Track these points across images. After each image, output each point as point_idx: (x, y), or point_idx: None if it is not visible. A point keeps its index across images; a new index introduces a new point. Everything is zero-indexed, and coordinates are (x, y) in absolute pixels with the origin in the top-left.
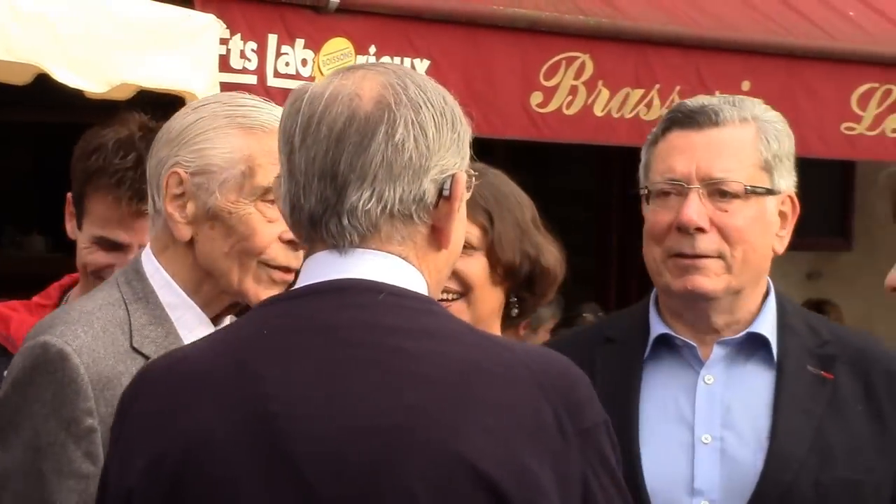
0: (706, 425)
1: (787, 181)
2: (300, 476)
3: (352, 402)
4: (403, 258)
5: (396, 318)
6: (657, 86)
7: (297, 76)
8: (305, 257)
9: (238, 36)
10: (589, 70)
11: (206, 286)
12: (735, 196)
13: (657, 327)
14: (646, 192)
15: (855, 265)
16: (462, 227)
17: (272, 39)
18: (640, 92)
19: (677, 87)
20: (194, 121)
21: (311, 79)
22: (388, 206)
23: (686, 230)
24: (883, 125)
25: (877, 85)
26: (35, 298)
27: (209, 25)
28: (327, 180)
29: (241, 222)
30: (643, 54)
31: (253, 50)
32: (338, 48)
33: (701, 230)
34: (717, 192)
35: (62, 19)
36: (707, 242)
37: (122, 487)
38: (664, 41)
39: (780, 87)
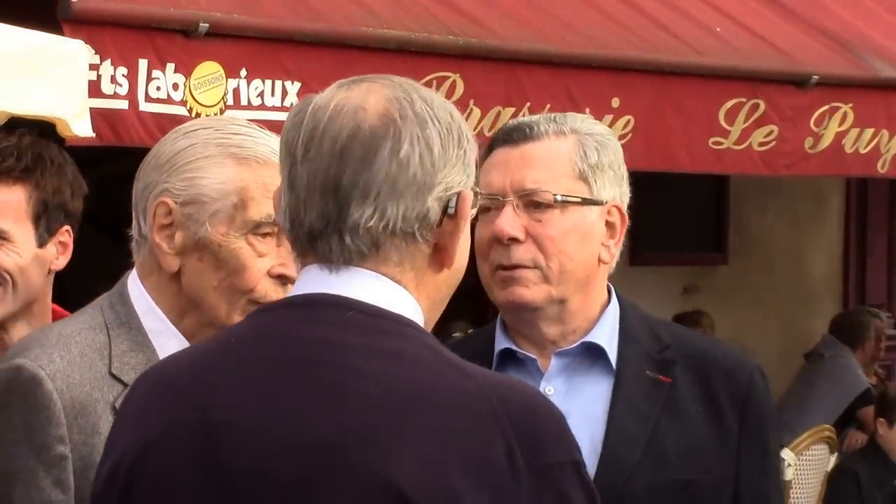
0: None
1: (610, 191)
2: (231, 489)
3: (288, 418)
4: (393, 278)
5: (359, 336)
6: (528, 104)
7: (168, 100)
8: (299, 270)
9: (108, 61)
10: (460, 89)
11: (191, 316)
12: (549, 206)
13: (501, 342)
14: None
15: (730, 279)
16: (466, 246)
17: (143, 64)
18: (511, 110)
19: (548, 105)
20: (185, 147)
21: (183, 103)
22: (391, 224)
23: (501, 241)
24: (750, 139)
25: (744, 100)
26: None
27: (78, 51)
28: (329, 195)
29: (232, 256)
30: (513, 73)
31: (124, 75)
32: (209, 72)
33: (515, 240)
34: (532, 203)
35: None
36: (521, 252)
37: (92, 493)
38: (534, 59)
39: (649, 102)
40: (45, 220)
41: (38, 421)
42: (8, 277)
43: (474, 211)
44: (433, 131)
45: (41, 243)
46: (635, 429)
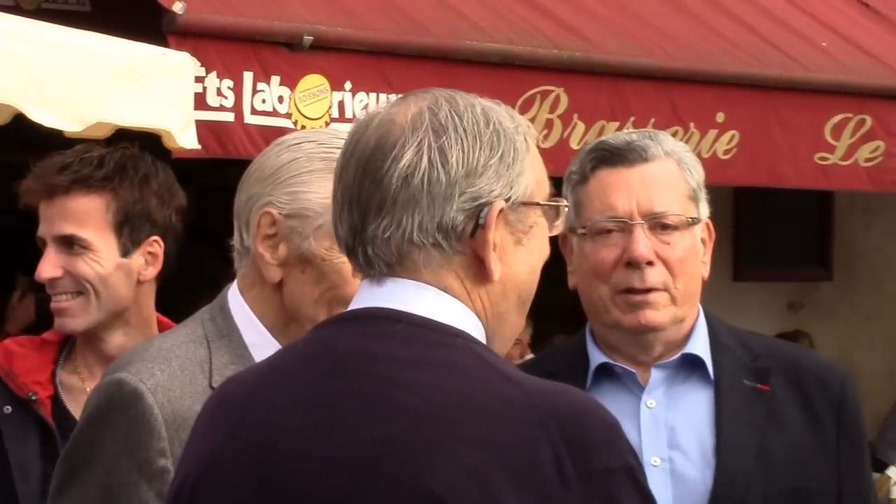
0: (654, 448)
1: (705, 209)
2: None
3: (333, 432)
4: (441, 287)
5: (406, 349)
6: (632, 118)
7: (274, 113)
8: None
9: (214, 74)
10: (564, 103)
11: (293, 328)
12: (675, 228)
13: (596, 357)
14: (584, 231)
15: (836, 295)
16: (525, 260)
17: (248, 77)
18: (615, 124)
19: (652, 119)
20: (289, 161)
21: (288, 115)
22: (408, 234)
23: (637, 265)
24: (856, 155)
25: (850, 115)
26: (44, 335)
27: (184, 64)
28: (354, 208)
29: (335, 270)
30: (618, 87)
31: (229, 87)
32: (314, 84)
33: (650, 264)
34: (659, 225)
35: (38, 60)
36: (655, 275)
37: None
38: (638, 73)
39: (753, 117)
40: (128, 230)
41: (139, 434)
42: (89, 286)
43: (560, 224)
44: (452, 139)
45: (125, 253)
46: (744, 438)
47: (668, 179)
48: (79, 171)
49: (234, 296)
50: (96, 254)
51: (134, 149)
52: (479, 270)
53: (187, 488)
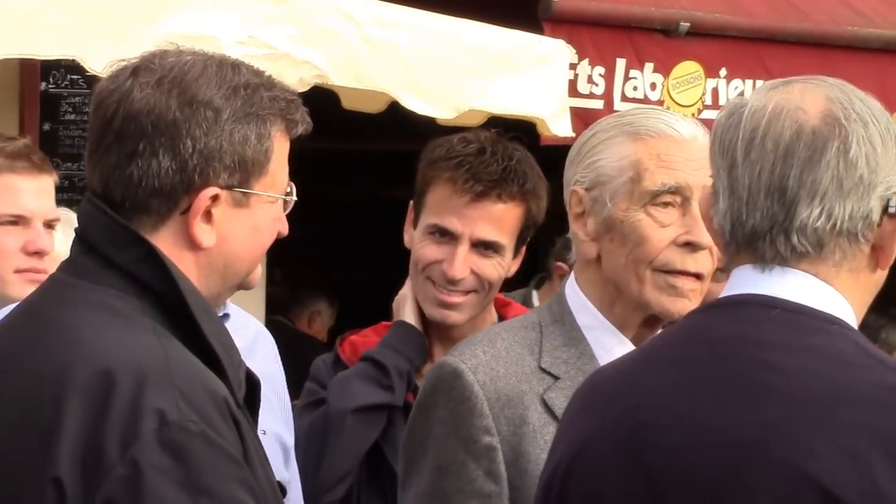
0: None
1: None
2: (657, 489)
3: (708, 415)
4: (824, 279)
5: (782, 334)
6: None
7: (644, 100)
8: (729, 269)
9: (586, 61)
10: None
11: (619, 304)
12: None
13: None
14: None
15: None
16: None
17: (620, 64)
18: None
19: None
20: (589, 137)
21: (660, 102)
22: (837, 224)
23: None
24: None
25: None
26: (379, 325)
27: (559, 51)
28: (774, 196)
29: (633, 230)
30: None
31: (601, 74)
32: (688, 71)
33: None
34: None
35: (412, 47)
36: None
37: (535, 499)
38: None
39: None
40: (521, 237)
41: (461, 413)
42: (487, 287)
43: None
44: (874, 131)
45: (514, 255)
46: None
47: None
48: (505, 180)
49: (569, 282)
50: (503, 259)
51: (520, 149)
52: (871, 261)
53: (560, 471)
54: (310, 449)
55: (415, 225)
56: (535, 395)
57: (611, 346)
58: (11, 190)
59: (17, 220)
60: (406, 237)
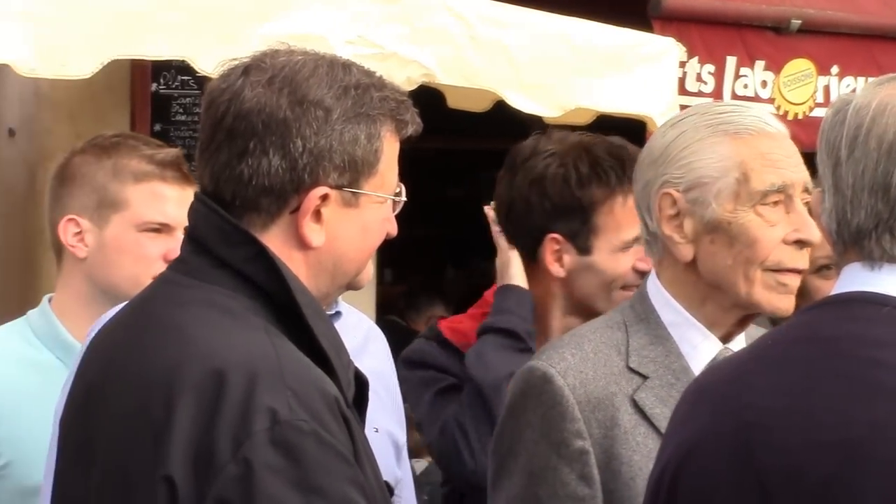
0: None
1: None
2: (765, 489)
3: (817, 415)
4: None
5: (891, 331)
6: None
7: (755, 98)
8: (839, 267)
9: (696, 59)
10: None
11: (711, 303)
12: None
13: None
14: None
15: None
16: None
17: (731, 62)
18: None
19: None
20: (675, 137)
21: (771, 100)
22: None
23: None
24: None
25: None
26: (471, 309)
27: (668, 49)
28: (878, 194)
29: (743, 231)
30: None
31: (710, 72)
32: (799, 69)
33: None
34: None
35: (519, 46)
36: None
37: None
38: None
39: None
40: None
41: (552, 417)
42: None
43: None
44: None
45: None
46: None
47: None
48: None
49: (651, 281)
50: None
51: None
52: None
53: (669, 472)
54: (479, 426)
55: (578, 249)
56: (624, 397)
57: (696, 342)
58: (160, 198)
59: (162, 229)
60: (555, 268)
